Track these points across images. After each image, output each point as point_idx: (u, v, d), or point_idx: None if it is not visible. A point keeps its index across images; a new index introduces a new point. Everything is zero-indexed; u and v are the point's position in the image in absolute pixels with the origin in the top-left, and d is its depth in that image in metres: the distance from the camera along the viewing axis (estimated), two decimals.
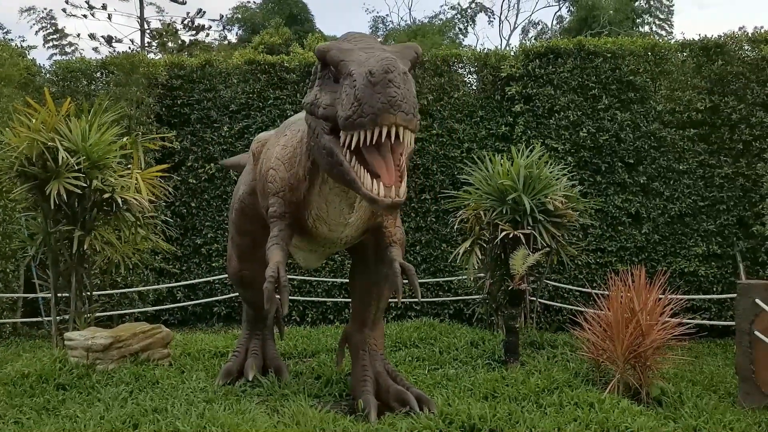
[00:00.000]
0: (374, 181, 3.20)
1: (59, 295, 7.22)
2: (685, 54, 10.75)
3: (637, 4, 34.25)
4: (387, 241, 4.46)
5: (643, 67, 10.70)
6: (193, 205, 11.31)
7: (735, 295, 6.91)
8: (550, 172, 7.54)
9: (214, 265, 11.24)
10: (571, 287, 10.26)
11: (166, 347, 6.47)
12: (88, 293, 7.25)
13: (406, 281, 4.25)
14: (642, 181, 10.50)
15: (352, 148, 3.19)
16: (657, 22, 34.24)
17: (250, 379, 5.58)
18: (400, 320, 9.51)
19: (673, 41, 10.87)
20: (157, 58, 11.80)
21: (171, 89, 11.40)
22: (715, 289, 10.31)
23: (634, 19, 33.79)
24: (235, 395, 5.29)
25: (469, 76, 11.61)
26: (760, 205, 10.13)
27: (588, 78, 10.66)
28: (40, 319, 9.76)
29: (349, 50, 3.36)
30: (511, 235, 6.92)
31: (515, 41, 43.75)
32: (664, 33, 32.85)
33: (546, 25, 39.33)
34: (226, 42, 34.24)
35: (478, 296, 9.94)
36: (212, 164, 11.26)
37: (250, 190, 5.19)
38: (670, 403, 5.49)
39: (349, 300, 10.83)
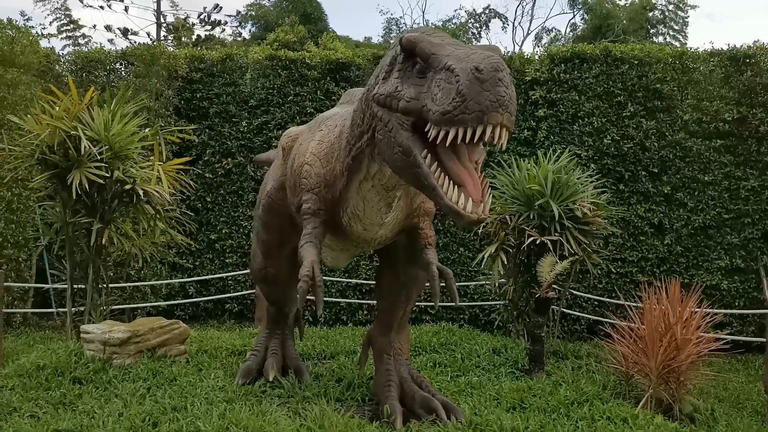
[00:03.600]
0: (461, 193, 3.05)
1: (75, 286, 7.09)
2: (713, 63, 10.56)
3: (651, 14, 34.04)
4: (423, 243, 4.31)
5: (671, 75, 10.53)
6: (208, 200, 11.18)
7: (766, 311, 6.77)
8: (578, 179, 7.37)
9: (227, 261, 11.11)
10: (590, 296, 10.09)
11: (183, 343, 6.33)
12: (105, 285, 7.12)
13: (443, 284, 4.10)
14: (666, 191, 10.32)
15: (437, 143, 3.02)
16: (671, 33, 33.99)
17: (271, 379, 5.42)
18: (417, 324, 9.35)
19: (701, 50, 10.67)
20: (177, 50, 11.65)
21: (191, 82, 11.29)
22: (737, 304, 10.11)
23: (648, 29, 33.58)
24: (255, 396, 5.13)
25: None
26: None
27: (614, 84, 10.49)
28: (51, 310, 9.65)
29: (439, 44, 3.20)
30: (537, 242, 6.76)
31: (528, 48, 43.61)
32: (677, 44, 32.61)
33: (559, 32, 39.14)
34: (240, 39, 34.17)
35: (496, 302, 9.79)
36: (229, 159, 11.14)
37: (279, 186, 5.04)
38: (703, 421, 5.32)
39: (363, 301, 10.78)
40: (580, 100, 10.49)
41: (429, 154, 3.14)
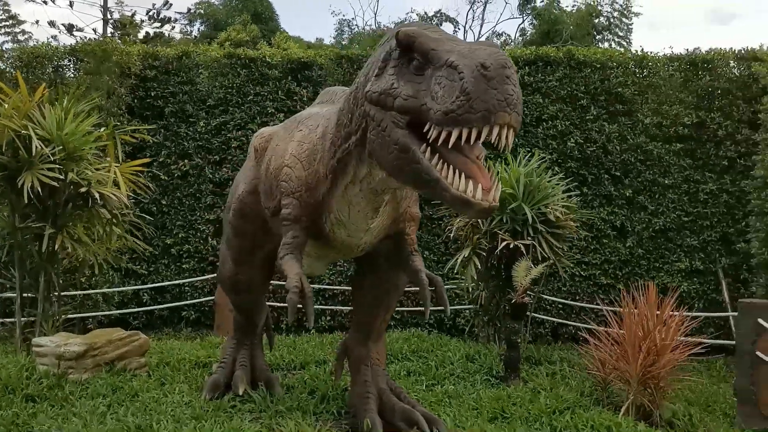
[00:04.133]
0: (469, 181, 2.85)
1: (24, 295, 6.65)
2: (672, 68, 10.70)
3: (597, 20, 34.75)
4: (408, 249, 4.12)
5: (631, 79, 10.63)
6: (164, 203, 10.75)
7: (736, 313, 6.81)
8: (549, 182, 7.30)
9: (184, 266, 10.71)
10: (554, 299, 10.08)
11: (143, 356, 5.99)
12: (57, 294, 6.70)
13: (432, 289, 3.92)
14: (628, 194, 10.41)
15: (438, 144, 2.81)
16: (616, 39, 34.75)
17: (241, 393, 5.14)
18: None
19: (661, 55, 10.80)
20: (130, 47, 11.18)
21: (144, 80, 10.84)
22: (696, 306, 10.24)
23: (595, 35, 34.25)
24: (225, 411, 4.86)
25: None
26: (743, 222, 10.12)
27: (577, 88, 10.52)
28: None
29: (439, 39, 3.00)
30: (511, 246, 6.66)
31: None
32: (622, 50, 33.32)
33: (509, 36, 39.54)
34: (191, 37, 33.38)
35: (462, 306, 9.68)
36: (186, 161, 10.74)
37: (251, 189, 4.78)
38: (683, 427, 5.29)
39: (326, 307, 10.52)
40: (544, 102, 10.49)
41: (429, 149, 2.94)
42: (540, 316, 9.98)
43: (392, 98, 3.04)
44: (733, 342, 8.19)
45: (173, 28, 30.05)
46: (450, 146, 2.81)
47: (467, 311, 10.06)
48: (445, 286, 9.46)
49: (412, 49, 3.02)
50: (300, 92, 10.78)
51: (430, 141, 2.87)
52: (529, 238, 6.77)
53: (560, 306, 10.28)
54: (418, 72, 2.99)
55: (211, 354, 6.57)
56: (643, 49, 10.72)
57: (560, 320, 10.08)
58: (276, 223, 4.36)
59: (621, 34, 35.29)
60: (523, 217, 6.81)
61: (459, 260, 7.05)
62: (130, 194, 6.72)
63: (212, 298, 9.83)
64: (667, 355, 5.24)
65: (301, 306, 3.65)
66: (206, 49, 11.75)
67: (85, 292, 9.22)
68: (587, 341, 5.96)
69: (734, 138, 10.34)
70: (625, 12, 34.58)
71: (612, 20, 35.32)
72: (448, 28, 38.14)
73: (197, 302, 10.46)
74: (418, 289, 4.05)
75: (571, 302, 9.99)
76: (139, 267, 10.55)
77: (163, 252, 10.74)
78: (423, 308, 4.07)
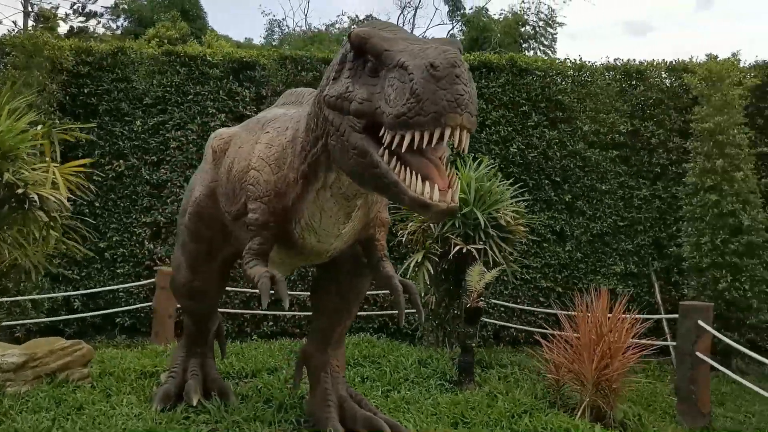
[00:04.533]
0: (426, 183, 2.76)
1: None
2: (609, 77, 11.05)
3: (524, 29, 35.70)
4: (378, 255, 4.05)
5: (570, 87, 10.91)
6: (97, 204, 10.28)
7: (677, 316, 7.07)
8: (498, 187, 7.39)
9: (118, 271, 10.27)
10: (496, 302, 10.22)
11: (86, 366, 5.68)
12: None
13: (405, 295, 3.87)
14: (567, 200, 10.67)
15: (392, 148, 2.73)
16: (542, 48, 35.77)
17: (194, 404, 4.94)
18: None
19: (598, 64, 11.14)
20: (62, 41, 10.65)
21: (77, 76, 10.34)
22: (630, 308, 10.53)
23: (521, 44, 35.18)
24: (179, 423, 4.66)
25: None
26: (674, 227, 10.55)
27: (519, 94, 10.72)
28: None
29: (392, 39, 2.90)
30: (464, 250, 6.69)
31: None
32: (547, 58, 34.31)
33: None
34: (118, 32, 32.21)
35: (408, 311, 9.67)
36: (122, 161, 10.32)
37: (209, 192, 4.60)
38: (634, 427, 5.42)
39: (269, 312, 10.30)
40: (488, 108, 10.63)
41: (386, 152, 2.85)
42: (483, 318, 10.08)
43: (348, 102, 2.96)
44: (667, 343, 8.54)
45: (99, 23, 28.96)
46: (404, 149, 2.74)
47: (411, 315, 10.07)
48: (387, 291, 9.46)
49: (365, 51, 2.95)
50: (242, 92, 10.53)
51: (385, 144, 2.80)
52: (481, 243, 6.83)
53: (502, 309, 10.43)
54: (372, 74, 2.91)
55: (157, 363, 6.30)
56: (581, 58, 11.00)
57: (503, 323, 10.22)
58: (238, 228, 4.21)
59: (546, 43, 36.36)
60: (474, 222, 6.86)
61: (411, 265, 7.03)
62: (70, 196, 6.37)
63: (149, 304, 9.46)
64: (620, 357, 5.37)
65: (273, 291, 3.51)
66: (141, 46, 11.34)
67: (13, 298, 8.71)
68: (537, 344, 6.06)
69: (666, 146, 10.77)
70: (550, 22, 35.65)
71: (538, 29, 36.35)
72: None
73: (133, 308, 10.05)
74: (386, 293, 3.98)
75: (504, 303, 10.12)
76: (70, 272, 10.05)
77: (95, 256, 10.27)
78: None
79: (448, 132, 2.59)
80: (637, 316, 5.81)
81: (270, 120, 4.15)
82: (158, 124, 10.41)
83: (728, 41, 53.92)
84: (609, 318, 5.56)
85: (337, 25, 41.07)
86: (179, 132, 10.37)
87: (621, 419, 5.47)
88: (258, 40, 40.65)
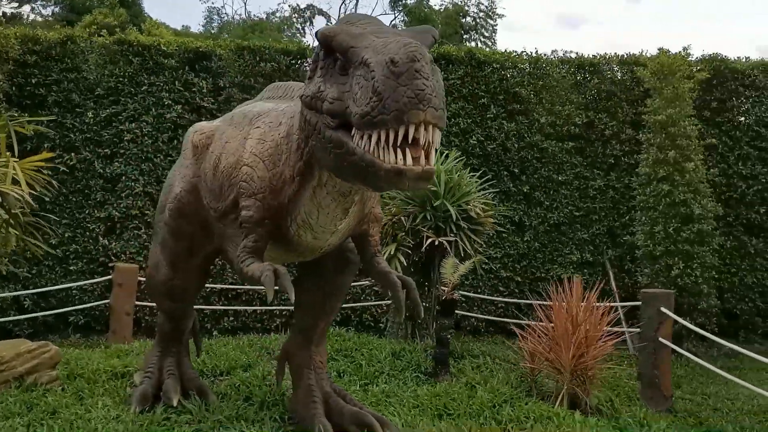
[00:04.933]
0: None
1: None
2: (564, 70, 11.27)
3: (465, 20, 36.11)
4: (372, 251, 4.01)
5: (527, 80, 11.07)
6: (47, 200, 9.86)
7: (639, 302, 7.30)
8: (466, 180, 7.46)
9: (71, 269, 9.92)
10: (462, 293, 10.32)
11: (54, 368, 5.47)
12: None
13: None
14: (525, 190, 10.85)
15: (369, 150, 2.68)
16: (482, 39, 36.26)
17: (175, 404, 4.82)
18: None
19: (554, 57, 11.34)
20: (7, 29, 10.16)
21: (24, 66, 9.88)
22: (586, 296, 10.85)
23: (462, 35, 35.57)
24: (160, 424, 4.54)
25: None
26: (627, 216, 10.87)
27: (478, 87, 10.82)
28: None
29: (359, 35, 2.85)
30: (436, 243, 6.73)
31: None
32: (487, 50, 34.81)
33: None
34: (49, 19, 30.90)
35: (368, 303, 9.70)
36: (73, 154, 9.94)
37: (191, 188, 4.47)
38: (609, 413, 5.58)
39: (230, 307, 10.14)
40: (447, 100, 10.65)
41: (360, 137, 2.75)
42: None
43: (321, 102, 2.93)
44: (635, 330, 8.80)
45: (33, 9, 27.79)
46: (371, 149, 2.68)
47: (374, 308, 10.10)
48: (360, 283, 9.43)
49: (333, 49, 2.91)
50: (199, 83, 10.28)
51: (354, 142, 2.76)
52: (452, 235, 6.88)
53: (463, 300, 10.54)
54: (342, 72, 2.87)
55: (127, 363, 6.10)
56: (537, 51, 11.18)
57: (464, 312, 10.34)
58: (224, 225, 4.12)
59: (486, 34, 36.86)
60: (445, 214, 6.91)
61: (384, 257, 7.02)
62: (32, 192, 6.10)
63: (106, 301, 9.17)
64: (595, 345, 5.51)
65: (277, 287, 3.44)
66: (89, 34, 10.93)
67: None
68: (501, 333, 6.16)
69: (619, 137, 11.08)
70: (490, 13, 36.13)
71: (478, 21, 36.79)
72: (320, 22, 37.98)
73: (87, 307, 9.72)
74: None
75: (465, 293, 10.22)
76: (20, 270, 9.64)
77: (46, 253, 9.86)
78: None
79: (412, 129, 2.55)
80: (609, 304, 5.95)
81: (258, 114, 4.05)
82: (111, 115, 10.06)
83: (659, 36, 55.84)
84: (582, 307, 5.68)
85: (278, 14, 40.57)
86: (133, 124, 10.05)
87: (596, 405, 5.62)
88: (196, 28, 39.71)
